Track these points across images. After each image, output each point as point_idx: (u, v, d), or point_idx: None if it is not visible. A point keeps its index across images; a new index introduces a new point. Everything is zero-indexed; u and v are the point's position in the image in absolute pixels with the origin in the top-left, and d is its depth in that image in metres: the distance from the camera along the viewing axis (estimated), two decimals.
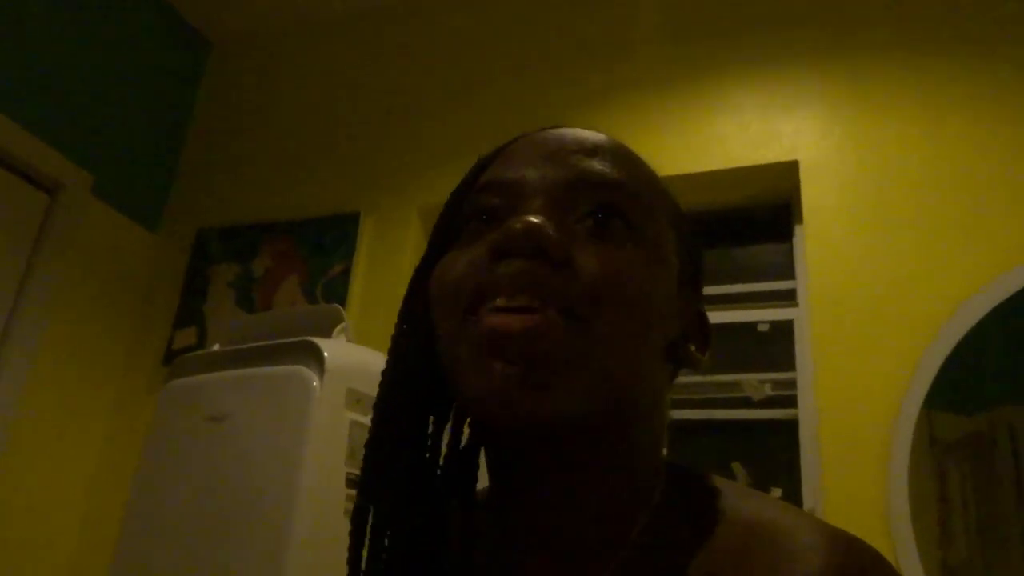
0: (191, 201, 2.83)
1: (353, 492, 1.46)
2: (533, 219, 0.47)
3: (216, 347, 1.83)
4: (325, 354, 1.53)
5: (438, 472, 0.55)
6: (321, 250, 2.50)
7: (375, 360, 1.56)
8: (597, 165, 0.52)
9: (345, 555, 0.54)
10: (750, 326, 2.08)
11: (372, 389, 1.67)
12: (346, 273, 2.42)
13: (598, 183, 0.51)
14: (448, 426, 0.56)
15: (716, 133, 2.21)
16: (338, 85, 2.82)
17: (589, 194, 0.51)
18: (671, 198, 0.58)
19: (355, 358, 1.60)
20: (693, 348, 0.56)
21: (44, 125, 2.41)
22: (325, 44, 2.93)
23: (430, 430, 0.56)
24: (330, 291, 2.42)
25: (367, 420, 0.57)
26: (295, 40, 2.98)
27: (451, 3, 2.77)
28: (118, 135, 2.71)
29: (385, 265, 2.41)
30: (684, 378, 0.56)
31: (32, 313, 2.33)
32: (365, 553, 0.54)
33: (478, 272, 0.48)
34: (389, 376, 0.56)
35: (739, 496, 0.52)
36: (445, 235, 0.55)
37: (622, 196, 0.51)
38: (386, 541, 0.53)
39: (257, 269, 2.57)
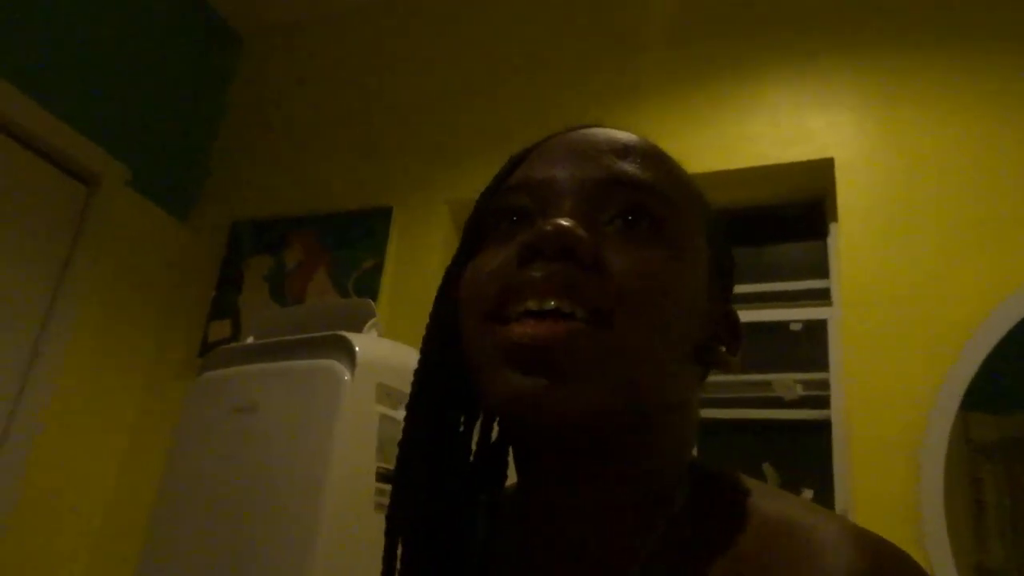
0: (225, 194, 2.87)
1: (383, 486, 1.48)
2: (563, 221, 0.47)
3: (250, 339, 1.85)
4: (356, 348, 1.54)
5: (468, 468, 0.56)
6: (352, 244, 2.52)
7: (406, 355, 1.57)
8: (627, 166, 0.52)
9: (372, 549, 0.55)
10: (782, 325, 2.06)
11: (402, 384, 1.68)
12: (377, 268, 2.44)
13: (628, 184, 0.51)
14: (478, 423, 0.57)
15: (749, 131, 2.19)
16: (369, 79, 2.83)
17: (619, 195, 0.50)
18: (702, 199, 0.58)
19: (386, 353, 1.61)
20: (723, 349, 0.56)
21: (82, 118, 2.46)
22: (355, 38, 2.94)
23: (461, 428, 0.56)
24: (362, 285, 2.44)
25: (397, 415, 0.58)
26: (326, 33, 2.99)
27: None
28: (153, 128, 2.75)
29: (415, 260, 2.42)
30: (715, 377, 0.56)
31: (69, 301, 2.37)
32: (399, 550, 0.54)
33: (507, 274, 0.48)
34: (420, 375, 0.57)
35: (768, 497, 0.51)
36: (476, 234, 0.55)
37: (652, 197, 0.51)
38: (418, 537, 0.54)
39: (289, 261, 2.60)
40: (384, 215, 2.50)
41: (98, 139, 2.50)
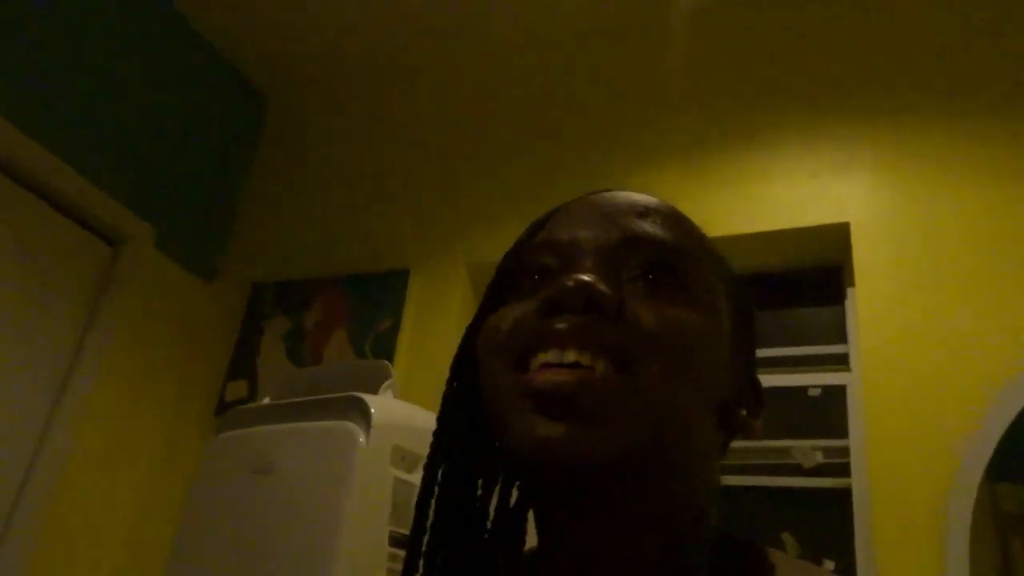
0: (247, 254, 2.91)
1: (396, 551, 1.46)
2: (585, 276, 0.47)
3: (266, 400, 1.85)
4: (372, 410, 1.53)
5: (486, 533, 0.55)
6: (370, 305, 2.53)
7: (421, 417, 1.57)
8: (648, 226, 0.53)
9: None
10: (801, 390, 2.04)
11: (417, 447, 1.67)
12: (394, 329, 2.45)
13: (650, 242, 0.52)
14: (497, 487, 0.56)
15: (767, 194, 2.21)
16: (391, 142, 2.89)
17: (641, 253, 0.51)
18: (723, 261, 0.59)
19: (401, 415, 1.60)
20: (744, 413, 0.56)
21: (109, 178, 2.52)
22: (377, 102, 3.01)
23: (479, 491, 0.56)
24: (378, 346, 2.44)
25: (411, 479, 0.58)
26: (348, 97, 3.06)
27: (503, 63, 2.84)
28: (178, 188, 2.81)
29: (432, 322, 2.43)
30: (733, 443, 0.55)
31: (91, 358, 2.40)
32: None
33: (529, 325, 0.49)
34: (439, 435, 0.57)
35: (791, 569, 0.50)
36: (498, 293, 0.56)
37: (674, 255, 0.52)
38: None
39: (308, 323, 2.61)
40: (402, 277, 2.53)
41: (124, 199, 2.55)
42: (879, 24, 2.31)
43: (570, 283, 0.47)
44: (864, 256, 2.02)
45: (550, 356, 0.47)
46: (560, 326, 0.47)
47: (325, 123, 3.08)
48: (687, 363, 0.48)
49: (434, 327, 2.41)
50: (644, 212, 0.54)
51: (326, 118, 3.09)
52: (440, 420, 0.57)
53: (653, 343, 0.47)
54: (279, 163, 3.09)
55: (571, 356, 0.46)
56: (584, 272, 0.49)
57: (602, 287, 0.47)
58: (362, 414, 1.54)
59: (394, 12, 2.77)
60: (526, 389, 0.47)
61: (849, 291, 2.09)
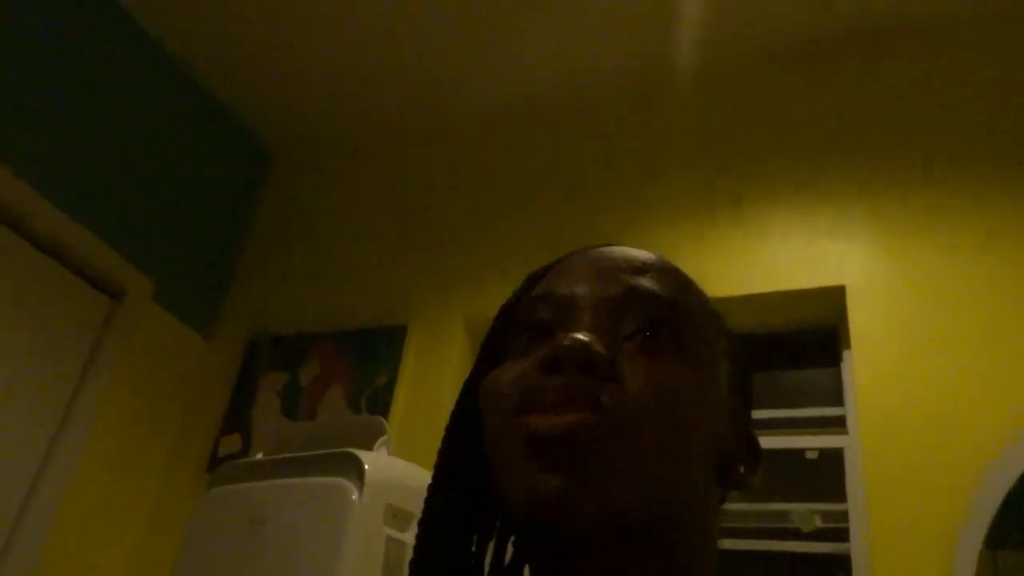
0: (245, 308, 2.91)
1: None
2: (581, 336, 0.47)
3: (259, 455, 1.84)
4: (366, 467, 1.52)
5: None
6: (367, 360, 2.53)
7: (415, 475, 1.56)
8: (646, 282, 0.53)
9: None
10: (798, 453, 2.03)
11: (411, 505, 1.66)
12: (390, 384, 2.44)
13: (647, 299, 0.52)
14: (492, 544, 0.56)
15: (762, 256, 2.23)
16: (389, 199, 2.92)
17: (638, 310, 0.51)
18: (721, 318, 0.59)
19: (396, 472, 1.59)
20: (742, 469, 0.56)
21: (111, 230, 2.54)
22: (378, 160, 3.05)
23: (474, 548, 0.55)
24: (374, 402, 2.43)
25: (404, 537, 0.57)
26: (350, 154, 3.11)
27: (501, 124, 2.89)
28: (180, 242, 2.83)
29: (429, 377, 2.42)
30: (731, 506, 0.55)
31: (85, 412, 2.39)
32: None
33: (526, 382, 0.49)
34: (434, 491, 0.57)
35: None
36: (495, 347, 0.56)
37: (671, 312, 0.52)
38: None
39: (304, 377, 2.61)
40: (400, 332, 2.53)
41: (125, 252, 2.57)
42: (876, 90, 2.36)
43: (567, 343, 0.47)
44: (860, 319, 2.03)
45: (544, 411, 0.47)
46: (555, 384, 0.47)
47: (327, 180, 3.12)
48: (680, 421, 0.48)
49: (431, 382, 2.40)
50: (642, 268, 0.54)
51: (328, 175, 3.13)
52: (436, 475, 0.57)
53: (647, 408, 0.47)
54: (280, 218, 3.12)
55: (562, 418, 0.46)
56: (581, 329, 0.49)
57: (598, 348, 0.47)
58: (356, 471, 1.53)
59: (395, 75, 2.84)
60: (523, 436, 0.47)
61: (845, 353, 2.09)
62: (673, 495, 0.48)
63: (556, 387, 0.47)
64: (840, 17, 2.41)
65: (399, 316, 2.57)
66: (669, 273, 0.55)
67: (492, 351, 0.57)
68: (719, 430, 0.52)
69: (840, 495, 1.93)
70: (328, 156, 3.16)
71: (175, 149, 2.85)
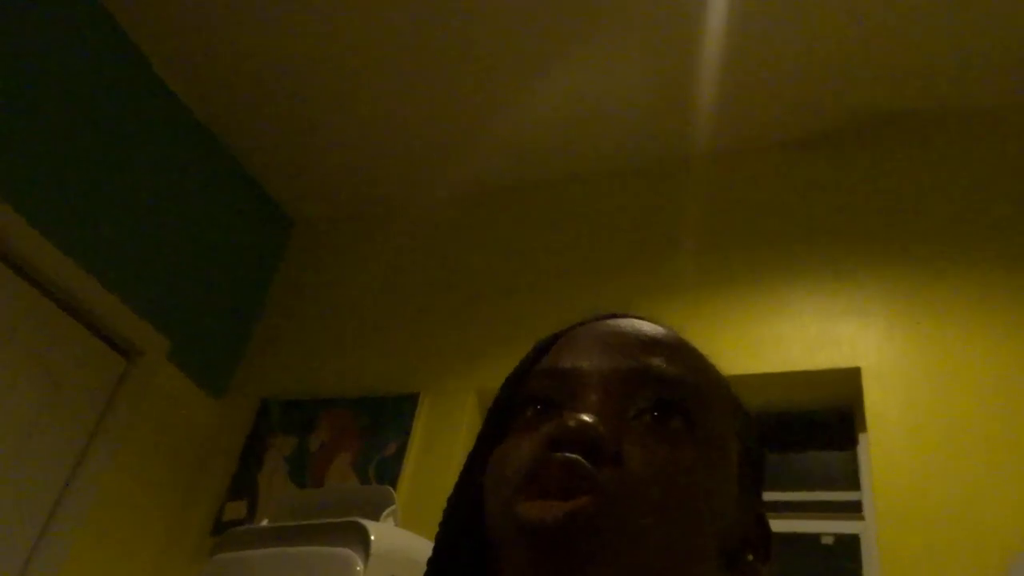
0: (258, 372, 2.92)
1: None
2: (586, 417, 0.46)
3: (265, 522, 1.82)
4: (372, 537, 1.50)
5: None
6: (377, 428, 2.52)
7: (421, 547, 1.53)
8: (656, 360, 0.51)
9: None
10: (814, 538, 1.98)
11: None
12: (400, 454, 2.42)
13: (656, 378, 0.50)
14: None
15: (775, 335, 2.22)
16: (406, 270, 2.95)
17: (646, 389, 0.50)
18: (732, 396, 0.57)
19: (401, 544, 1.56)
20: (751, 557, 0.54)
21: (130, 291, 2.57)
22: (394, 233, 3.09)
23: None
24: (382, 470, 2.41)
25: None
26: (368, 227, 3.16)
27: (511, 197, 2.93)
28: (198, 303, 2.86)
29: (439, 447, 2.40)
30: None
31: (93, 469, 2.38)
32: None
33: (529, 463, 0.48)
34: (433, 567, 0.56)
35: None
36: (500, 420, 0.55)
37: (680, 393, 0.50)
38: None
39: (313, 443, 2.59)
40: (411, 401, 2.52)
41: (143, 312, 2.59)
42: (891, 172, 2.39)
43: (571, 423, 0.46)
44: (876, 401, 2.00)
45: (545, 491, 0.45)
46: (557, 467, 0.45)
47: (345, 250, 3.16)
48: (685, 508, 0.47)
49: (441, 453, 2.38)
50: (652, 344, 0.53)
51: (346, 245, 3.17)
52: (436, 550, 0.56)
53: (648, 489, 0.45)
54: (297, 284, 3.15)
55: (558, 505, 0.44)
56: (587, 408, 0.48)
57: (602, 429, 0.46)
58: (362, 541, 1.50)
59: (410, 151, 2.92)
60: (520, 523, 0.45)
61: (861, 436, 2.06)
62: None
63: (558, 471, 0.45)
64: (855, 104, 2.45)
65: (411, 385, 2.57)
66: (680, 350, 0.54)
67: (496, 424, 0.55)
68: (727, 515, 0.51)
69: None
70: (346, 227, 3.21)
71: (199, 213, 2.91)
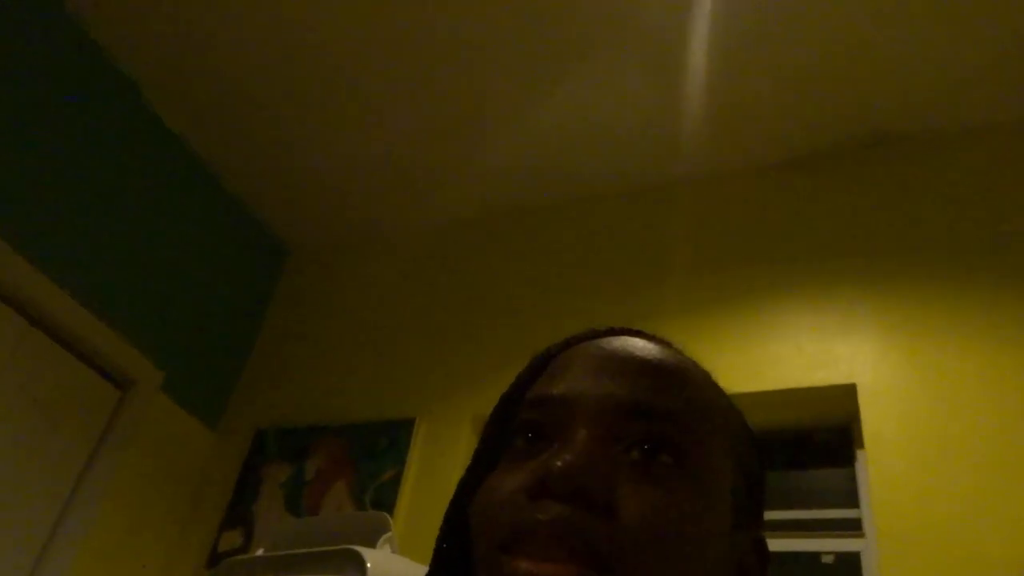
0: (253, 401, 2.90)
1: None
2: (573, 460, 0.45)
3: (261, 551, 1.79)
4: (368, 565, 1.48)
5: None
6: (373, 455, 2.50)
7: (418, 574, 1.51)
8: (648, 391, 0.50)
9: None
10: (814, 557, 1.97)
11: None
12: (396, 479, 2.40)
13: (647, 412, 0.49)
14: None
15: (772, 354, 2.22)
16: (400, 296, 2.95)
17: (638, 423, 0.48)
18: (731, 419, 0.56)
19: (398, 570, 1.55)
20: None
21: (122, 321, 2.56)
22: (389, 258, 3.10)
23: None
24: (379, 497, 2.39)
25: None
26: (363, 253, 3.16)
27: (503, 222, 2.94)
28: (192, 333, 2.84)
29: (436, 473, 2.39)
30: None
31: (87, 501, 2.36)
32: None
33: (516, 509, 0.46)
34: None
35: None
36: (492, 445, 0.54)
37: (672, 427, 0.49)
38: None
39: (308, 471, 2.57)
40: (407, 426, 2.50)
41: (137, 342, 2.58)
42: (882, 190, 2.40)
43: (558, 464, 0.45)
44: (872, 418, 2.00)
45: (533, 549, 0.44)
46: (544, 517, 0.44)
47: (338, 277, 3.16)
48: (679, 561, 0.45)
49: (438, 477, 2.36)
50: (645, 369, 0.51)
51: (339, 273, 3.18)
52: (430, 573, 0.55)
53: (642, 544, 0.44)
54: (292, 313, 3.14)
55: (553, 554, 0.43)
56: (576, 444, 0.47)
57: (590, 474, 0.45)
58: (358, 568, 1.49)
59: (403, 179, 2.94)
60: None
61: (859, 453, 2.06)
62: None
63: (545, 526, 0.44)
64: (848, 123, 2.47)
65: (407, 411, 2.56)
66: (675, 374, 0.52)
67: (489, 449, 0.54)
68: (720, 546, 0.49)
69: None
70: (340, 254, 3.21)
71: (191, 242, 2.91)
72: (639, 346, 0.53)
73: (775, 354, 2.22)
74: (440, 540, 0.56)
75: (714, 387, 0.56)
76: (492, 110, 2.65)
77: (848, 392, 2.07)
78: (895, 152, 2.45)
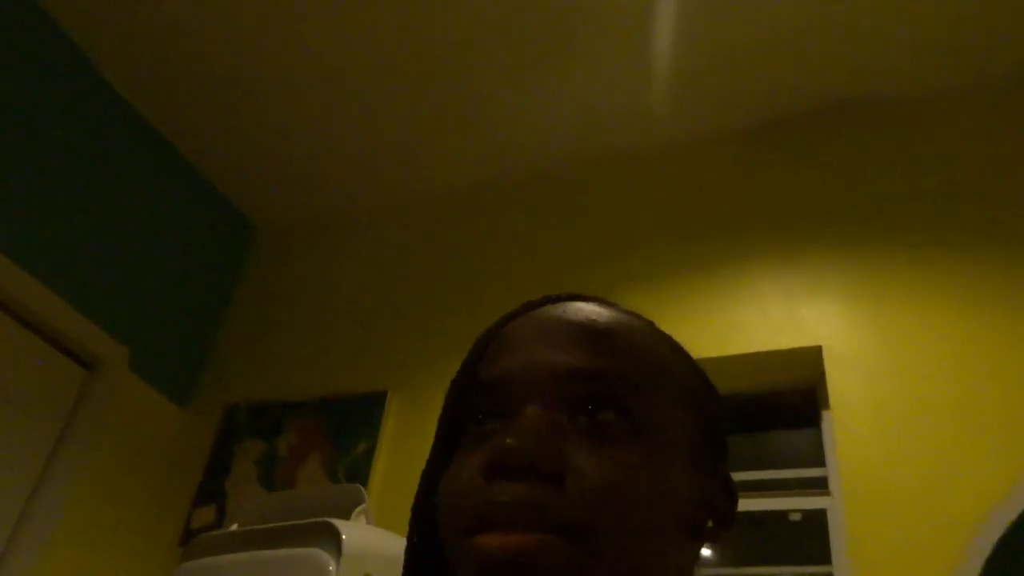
0: (223, 378, 2.88)
1: None
2: (521, 436, 0.46)
3: (234, 527, 1.79)
4: (343, 536, 1.49)
5: None
6: (347, 429, 2.50)
7: (394, 544, 1.52)
8: (585, 354, 0.50)
9: None
10: (782, 515, 2.01)
11: (390, 575, 1.61)
12: (370, 452, 2.41)
13: (587, 375, 0.49)
14: None
15: (739, 319, 2.24)
16: (370, 268, 2.94)
17: (579, 387, 0.49)
18: (680, 363, 0.56)
19: (374, 542, 1.56)
20: (711, 524, 0.54)
21: (87, 300, 2.51)
22: (359, 234, 3.08)
23: None
24: (353, 470, 2.39)
25: None
26: (333, 229, 3.14)
27: (472, 198, 2.94)
28: (159, 311, 2.81)
29: (410, 444, 2.39)
30: (716, 570, 0.53)
31: (57, 483, 2.33)
32: None
33: (475, 494, 0.47)
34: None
35: None
36: (448, 434, 0.55)
37: (615, 385, 0.49)
38: None
39: (282, 447, 2.56)
40: (380, 399, 2.50)
41: (101, 322, 2.54)
42: (847, 156, 2.42)
43: (507, 444, 0.45)
44: (838, 380, 2.04)
45: (497, 530, 0.45)
46: (502, 498, 0.45)
47: (308, 252, 3.13)
48: (638, 516, 0.46)
49: (413, 450, 2.37)
50: (582, 334, 0.52)
51: (309, 248, 3.15)
52: (405, 565, 0.55)
53: (599, 505, 0.45)
54: (262, 288, 3.11)
55: (515, 538, 0.44)
56: (525, 419, 0.48)
57: (540, 449, 0.46)
58: (333, 541, 1.49)
59: (375, 154, 2.90)
60: (476, 558, 0.45)
61: (825, 414, 2.10)
62: None
63: (505, 507, 0.45)
64: (812, 91, 2.49)
65: (378, 384, 2.55)
66: (611, 333, 0.52)
67: (445, 438, 0.55)
68: (682, 497, 0.50)
69: (826, 558, 1.91)
70: (309, 230, 3.18)
71: (156, 220, 2.86)
72: (573, 311, 0.54)
73: (742, 319, 2.24)
74: (410, 535, 0.56)
75: (657, 337, 0.56)
76: (464, 87, 2.62)
77: (814, 355, 2.10)
78: (858, 119, 2.47)
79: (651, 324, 0.58)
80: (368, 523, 1.68)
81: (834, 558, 1.89)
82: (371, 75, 2.63)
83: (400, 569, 0.57)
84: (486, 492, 0.46)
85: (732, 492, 0.56)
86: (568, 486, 0.45)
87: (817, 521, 1.97)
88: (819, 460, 2.07)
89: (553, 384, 0.50)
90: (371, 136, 2.85)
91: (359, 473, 2.37)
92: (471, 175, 2.93)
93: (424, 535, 0.54)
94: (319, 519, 1.55)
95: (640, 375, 0.51)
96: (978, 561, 1.67)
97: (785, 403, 2.22)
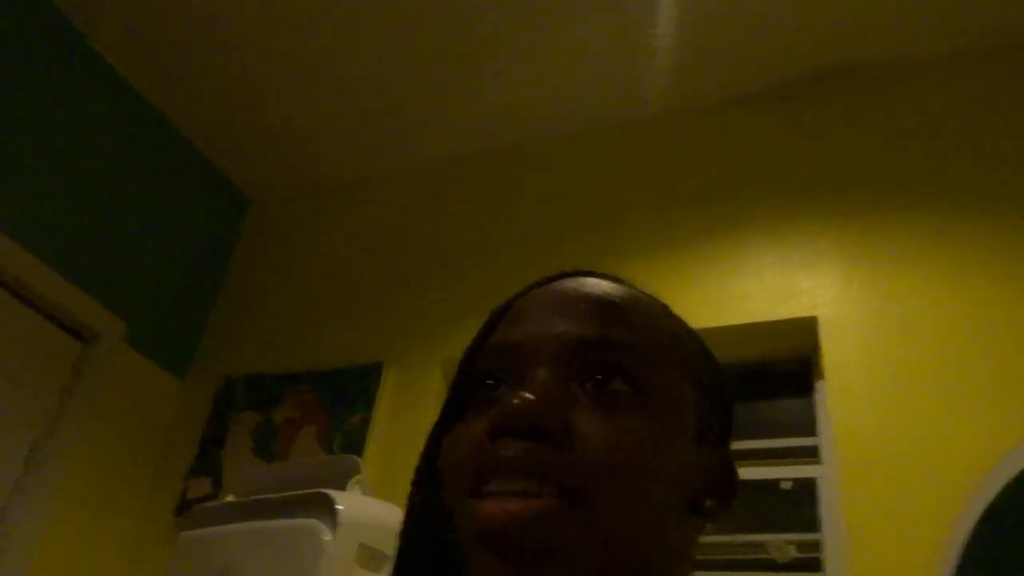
0: (219, 351, 2.88)
1: None
2: (529, 396, 0.46)
3: (230, 498, 1.80)
4: (338, 507, 1.50)
5: None
6: (343, 401, 2.50)
7: (390, 514, 1.54)
8: (598, 325, 0.51)
9: None
10: (773, 484, 2.03)
11: (386, 545, 1.63)
12: (365, 423, 2.41)
13: (598, 344, 0.50)
14: None
15: (735, 289, 2.24)
16: (366, 241, 2.93)
17: (589, 356, 0.50)
18: (688, 341, 0.58)
19: (370, 512, 1.57)
20: (710, 503, 0.54)
21: (82, 273, 2.50)
22: (354, 205, 3.06)
23: None
24: (349, 441, 2.40)
25: None
26: (328, 200, 3.12)
27: (468, 166, 2.91)
28: (154, 284, 2.80)
29: (406, 416, 2.40)
30: (706, 538, 0.53)
31: (55, 459, 2.33)
32: None
33: (480, 450, 0.48)
34: (403, 544, 0.56)
35: None
36: (459, 396, 0.55)
37: (624, 355, 0.50)
38: None
39: (278, 419, 2.57)
40: (375, 370, 2.51)
41: (96, 294, 2.53)
42: (843, 124, 2.41)
43: (515, 404, 0.46)
44: (832, 349, 2.04)
45: (498, 486, 0.46)
46: (506, 453, 0.46)
47: (303, 224, 3.12)
48: (641, 484, 0.47)
49: (408, 421, 2.38)
50: (596, 305, 0.52)
51: (304, 220, 3.13)
52: (403, 529, 0.56)
53: (604, 472, 0.45)
54: (258, 260, 3.10)
55: (517, 486, 0.45)
56: (533, 384, 0.48)
57: (546, 409, 0.46)
58: (328, 511, 1.50)
59: (369, 124, 2.87)
60: (477, 523, 0.45)
61: (818, 384, 2.11)
62: (636, 564, 0.47)
63: (507, 462, 0.45)
64: (807, 57, 2.46)
65: (374, 355, 2.56)
66: (624, 306, 0.53)
67: (456, 400, 0.55)
68: (684, 470, 0.51)
69: (817, 525, 1.93)
70: (305, 201, 3.16)
71: (150, 191, 2.84)
72: (589, 284, 0.55)
73: (738, 289, 2.24)
74: (412, 495, 0.57)
75: (667, 314, 0.58)
76: (457, 55, 2.60)
77: (809, 324, 2.11)
78: (854, 86, 2.45)
79: (666, 306, 0.59)
80: (364, 494, 1.69)
81: (824, 526, 1.91)
82: (365, 42, 2.59)
83: (395, 538, 0.57)
84: (490, 450, 0.47)
85: (733, 473, 0.56)
86: (574, 450, 0.46)
87: (808, 489, 1.99)
88: (810, 429, 2.08)
89: (564, 352, 0.50)
90: (364, 105, 2.81)
91: (354, 444, 2.38)
92: (466, 145, 2.91)
93: (426, 496, 0.55)
94: (315, 490, 1.56)
95: (651, 349, 0.52)
96: (969, 528, 1.69)
97: (780, 372, 2.23)
